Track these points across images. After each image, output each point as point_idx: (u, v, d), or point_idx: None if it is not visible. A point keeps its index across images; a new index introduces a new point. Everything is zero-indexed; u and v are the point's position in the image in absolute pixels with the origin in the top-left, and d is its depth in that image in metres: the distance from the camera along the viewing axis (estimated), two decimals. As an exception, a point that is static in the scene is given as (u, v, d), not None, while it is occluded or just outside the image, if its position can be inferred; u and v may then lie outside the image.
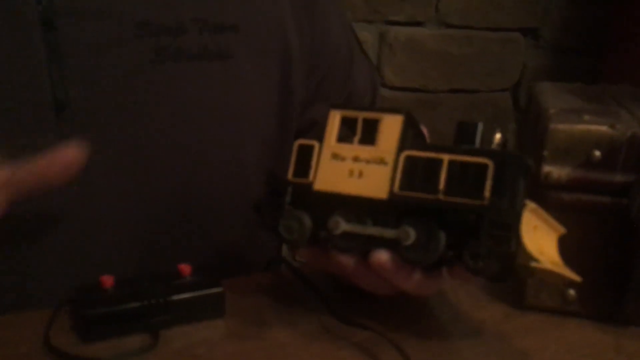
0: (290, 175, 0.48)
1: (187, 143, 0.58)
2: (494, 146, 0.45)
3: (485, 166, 0.42)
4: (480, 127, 0.44)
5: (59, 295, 0.50)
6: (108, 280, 0.49)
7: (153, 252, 0.59)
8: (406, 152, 0.45)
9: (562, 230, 0.45)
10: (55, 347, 0.45)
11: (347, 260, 0.46)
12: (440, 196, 0.43)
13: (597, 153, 0.49)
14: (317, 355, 0.46)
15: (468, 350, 0.48)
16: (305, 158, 0.48)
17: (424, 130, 0.50)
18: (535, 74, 1.51)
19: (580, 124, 0.50)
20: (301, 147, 0.48)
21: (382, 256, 0.45)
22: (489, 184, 0.42)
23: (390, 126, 0.45)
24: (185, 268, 0.51)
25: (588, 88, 0.64)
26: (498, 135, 0.45)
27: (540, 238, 0.43)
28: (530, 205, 0.42)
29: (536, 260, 0.41)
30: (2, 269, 0.54)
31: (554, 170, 0.50)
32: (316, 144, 0.48)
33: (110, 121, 0.55)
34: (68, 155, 0.45)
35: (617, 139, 0.48)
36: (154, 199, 0.58)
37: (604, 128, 0.49)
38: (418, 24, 1.45)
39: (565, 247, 0.50)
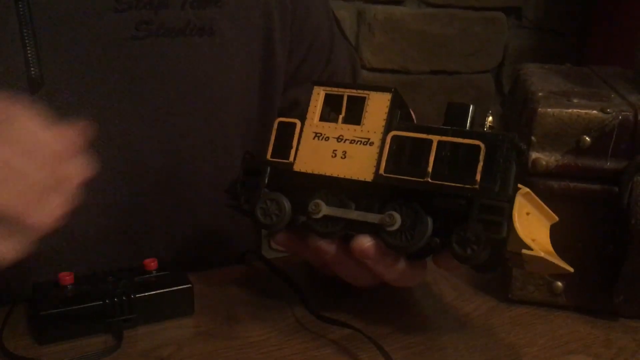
0: (268, 155, 0.45)
1: (169, 123, 0.56)
2: (485, 129, 0.43)
3: (476, 148, 0.40)
4: (471, 108, 0.42)
5: (16, 291, 0.47)
6: (67, 277, 0.45)
7: (130, 242, 0.56)
8: (393, 132, 0.42)
9: (555, 218, 0.43)
10: (9, 350, 0.42)
11: (327, 246, 0.44)
12: (429, 179, 0.40)
13: (587, 138, 0.46)
14: (292, 355, 0.43)
15: (452, 346, 0.45)
16: (285, 137, 0.45)
17: (411, 112, 0.47)
18: (518, 55, 1.49)
19: (569, 107, 0.47)
20: (281, 125, 0.45)
21: (364, 242, 0.42)
22: (480, 166, 0.39)
23: (377, 104, 0.43)
24: (151, 263, 0.48)
25: (576, 69, 0.62)
26: (490, 118, 0.43)
27: (532, 225, 0.41)
28: (523, 189, 0.40)
29: (528, 247, 0.39)
30: None
31: (542, 157, 0.47)
32: (298, 122, 0.45)
33: (88, 100, 0.52)
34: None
35: (608, 123, 0.46)
36: (133, 182, 0.55)
37: (594, 112, 0.46)
38: (398, 2, 1.42)
39: (553, 236, 0.48)
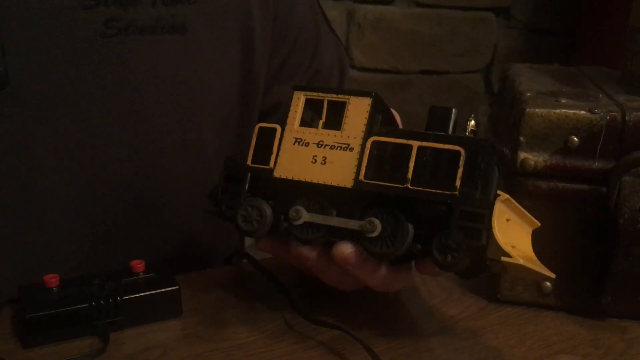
0: (249, 160, 0.45)
1: (141, 123, 0.55)
2: (467, 133, 0.43)
3: (456, 153, 0.39)
4: (453, 112, 0.42)
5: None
6: (52, 280, 0.45)
7: (105, 243, 0.56)
8: (373, 138, 0.42)
9: (536, 224, 0.43)
10: (-6, 354, 0.41)
11: (308, 253, 0.43)
12: (408, 185, 0.40)
13: (575, 139, 0.46)
14: (280, 357, 0.43)
15: (440, 347, 0.45)
16: (265, 143, 0.44)
17: (396, 115, 0.47)
18: (507, 54, 1.50)
19: (557, 108, 0.47)
20: (262, 130, 0.45)
21: (345, 249, 0.42)
22: (460, 172, 0.39)
23: (357, 109, 0.42)
24: (138, 264, 0.47)
25: (564, 70, 0.62)
26: (472, 122, 0.42)
27: (512, 231, 0.41)
28: (503, 196, 0.40)
29: (508, 255, 0.39)
30: None
31: (531, 157, 0.47)
32: (278, 127, 0.44)
33: (56, 99, 0.51)
34: None
35: (596, 123, 0.46)
36: (105, 184, 0.54)
37: (582, 112, 0.46)
38: (387, 2, 1.42)
39: (541, 237, 0.48)
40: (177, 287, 0.46)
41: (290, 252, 0.44)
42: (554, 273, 0.46)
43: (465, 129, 0.43)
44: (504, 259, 0.39)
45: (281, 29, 0.63)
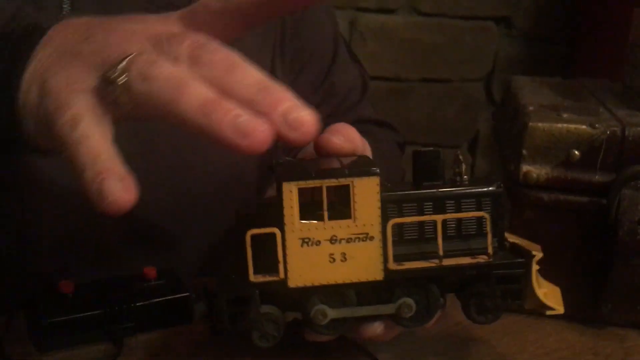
0: (250, 275, 0.38)
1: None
2: (463, 174, 0.41)
3: (482, 219, 0.40)
4: (441, 156, 0.41)
5: (16, 297, 0.48)
6: (67, 285, 0.46)
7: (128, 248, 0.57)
8: (393, 221, 0.39)
9: (540, 254, 0.43)
10: (12, 357, 0.42)
11: (329, 338, 0.42)
12: (443, 262, 0.39)
13: (576, 152, 0.48)
14: (285, 359, 0.44)
15: (444, 354, 0.47)
16: (266, 250, 0.38)
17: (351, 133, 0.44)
18: (508, 63, 1.51)
19: (559, 122, 0.48)
20: (256, 238, 0.37)
21: (377, 329, 0.41)
22: (489, 238, 0.39)
23: (366, 192, 0.38)
24: (150, 271, 0.48)
25: (566, 83, 0.63)
26: (464, 167, 0.41)
27: (540, 278, 0.43)
28: (537, 255, 0.41)
29: (551, 308, 0.41)
30: None
31: (533, 170, 0.49)
32: (276, 231, 0.37)
33: None
34: None
35: (597, 138, 0.47)
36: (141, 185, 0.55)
37: (583, 127, 0.48)
38: (389, 11, 1.43)
39: (543, 247, 0.49)
40: (187, 293, 0.48)
41: (305, 337, 0.42)
42: (555, 282, 0.48)
43: (459, 171, 0.41)
44: (549, 312, 0.41)
45: (293, 44, 0.65)
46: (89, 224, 0.55)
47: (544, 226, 0.49)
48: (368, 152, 0.45)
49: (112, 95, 0.33)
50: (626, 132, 0.47)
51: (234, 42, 0.55)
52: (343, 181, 0.38)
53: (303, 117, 0.32)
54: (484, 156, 1.53)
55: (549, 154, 0.49)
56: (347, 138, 0.41)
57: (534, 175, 0.49)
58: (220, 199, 0.58)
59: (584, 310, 0.50)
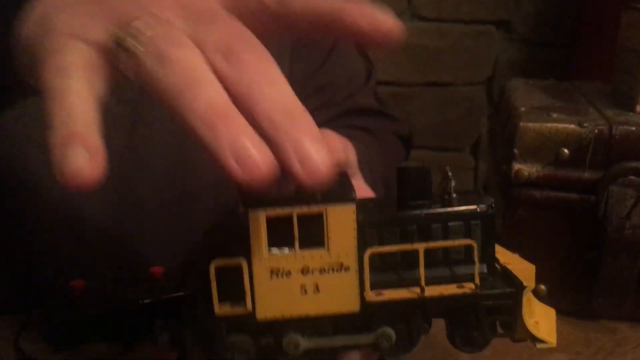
0: (216, 307, 0.35)
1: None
2: (451, 192, 0.38)
3: (469, 248, 0.36)
4: (429, 174, 0.37)
5: (29, 297, 0.50)
6: (78, 285, 0.48)
7: (129, 245, 0.59)
8: (370, 250, 0.35)
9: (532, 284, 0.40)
10: (28, 355, 0.44)
11: None
12: (425, 292, 0.36)
13: (566, 151, 0.50)
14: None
15: (437, 345, 0.48)
16: (231, 283, 0.35)
17: (345, 149, 0.42)
18: (508, 67, 1.52)
19: (549, 122, 0.50)
20: (220, 270, 0.34)
21: (354, 358, 0.38)
22: (476, 268, 0.36)
23: (340, 221, 0.34)
24: (158, 271, 0.50)
25: (559, 85, 0.65)
26: (453, 183, 0.37)
27: (529, 304, 0.40)
28: (529, 286, 0.38)
29: (542, 341, 0.39)
30: None
31: (524, 168, 0.51)
32: (242, 262, 0.34)
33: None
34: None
35: (585, 136, 0.49)
36: (145, 182, 0.57)
37: (572, 126, 0.50)
38: (391, 17, 1.45)
39: (535, 243, 0.51)
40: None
41: None
42: (548, 277, 0.49)
43: (446, 189, 0.38)
44: (539, 346, 0.38)
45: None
46: (97, 225, 0.57)
47: (536, 223, 0.51)
48: (352, 154, 0.44)
49: (116, 59, 0.29)
50: (613, 131, 0.49)
51: None
52: (315, 209, 0.34)
53: (319, 167, 0.28)
54: (486, 160, 1.54)
55: (540, 152, 0.50)
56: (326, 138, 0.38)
57: (526, 173, 0.50)
58: (221, 196, 0.59)
59: (576, 304, 0.52)
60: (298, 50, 0.66)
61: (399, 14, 1.44)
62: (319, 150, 0.28)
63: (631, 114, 0.52)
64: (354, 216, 0.34)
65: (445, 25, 1.48)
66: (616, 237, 0.48)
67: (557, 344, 0.48)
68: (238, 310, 0.35)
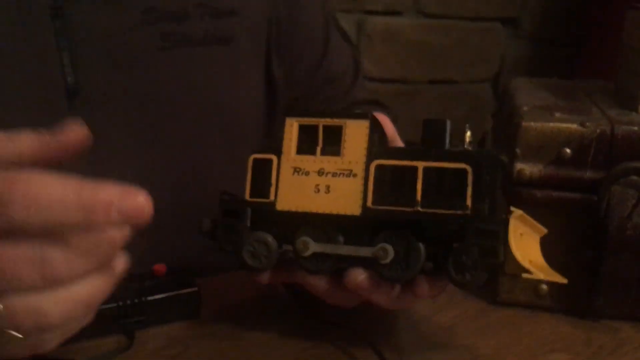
0: (247, 194, 0.43)
1: (192, 127, 0.60)
2: (466, 145, 0.42)
3: (463, 171, 0.39)
4: (448, 124, 0.41)
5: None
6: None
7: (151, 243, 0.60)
8: (377, 162, 0.41)
9: (543, 230, 0.44)
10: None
11: (317, 282, 0.44)
12: (419, 208, 0.40)
13: (568, 151, 0.50)
14: (293, 354, 0.46)
15: (442, 346, 0.48)
16: (262, 174, 0.43)
17: (385, 121, 0.47)
18: (514, 64, 1.52)
19: (551, 121, 0.50)
20: (256, 161, 0.43)
21: (358, 275, 0.42)
22: (469, 190, 0.39)
23: (356, 133, 0.41)
24: (160, 268, 0.51)
25: (562, 83, 0.65)
26: (468, 133, 0.42)
27: (526, 244, 0.41)
28: (517, 212, 0.41)
29: (528, 271, 0.39)
30: None
31: (526, 168, 0.51)
32: (274, 157, 0.43)
33: (120, 106, 0.56)
34: (76, 134, 0.38)
35: (587, 136, 0.49)
36: (157, 185, 0.58)
37: (574, 126, 0.50)
38: (396, 13, 1.45)
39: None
40: (196, 288, 0.50)
41: (296, 279, 0.45)
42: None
43: (462, 140, 0.42)
44: (525, 275, 0.39)
45: (288, 32, 0.67)
46: None
47: (538, 222, 0.51)
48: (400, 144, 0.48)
49: None
50: (615, 131, 0.49)
51: (229, 42, 0.59)
52: (337, 121, 0.42)
53: (142, 206, 0.32)
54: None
55: (542, 152, 0.50)
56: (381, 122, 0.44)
57: (527, 173, 0.50)
58: None
59: (577, 304, 0.52)
60: (298, 51, 0.68)
61: (405, 11, 1.44)
62: (134, 196, 0.32)
63: (634, 113, 0.52)
64: (367, 131, 0.41)
65: (451, 22, 1.48)
66: (618, 236, 0.48)
67: (557, 344, 0.49)
68: (263, 199, 0.42)
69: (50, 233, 0.32)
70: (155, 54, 0.56)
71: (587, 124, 0.49)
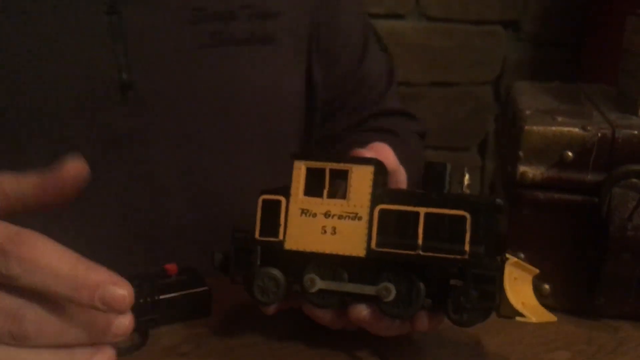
0: (257, 233, 0.45)
1: (233, 125, 0.62)
2: (464, 188, 0.45)
3: (462, 218, 0.41)
4: (448, 168, 0.44)
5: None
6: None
7: (148, 244, 0.61)
8: (381, 206, 0.43)
9: (535, 271, 0.45)
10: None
11: (323, 315, 0.46)
12: (420, 252, 0.42)
13: (570, 154, 0.51)
14: (301, 352, 0.47)
15: (444, 345, 0.49)
16: (272, 214, 0.45)
17: (388, 153, 0.49)
18: (516, 66, 1.53)
19: (553, 125, 0.51)
20: (266, 202, 0.45)
21: (361, 311, 0.44)
22: (467, 237, 0.41)
23: (361, 178, 0.43)
24: (172, 268, 0.52)
25: (564, 87, 0.66)
26: (467, 176, 0.45)
27: (520, 287, 0.43)
28: (511, 259, 0.43)
29: (521, 314, 0.41)
30: None
31: (529, 170, 0.52)
32: (282, 199, 0.45)
33: (168, 102, 0.59)
34: (73, 171, 0.40)
35: (589, 140, 0.50)
36: (199, 179, 0.62)
37: (576, 130, 0.51)
38: (399, 16, 1.46)
39: (539, 243, 0.52)
40: (207, 288, 0.51)
41: (303, 310, 0.47)
42: (551, 276, 0.51)
43: (461, 182, 0.44)
44: (519, 319, 0.41)
45: (327, 36, 0.69)
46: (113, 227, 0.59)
47: (540, 223, 0.52)
48: (402, 176, 0.50)
49: None
50: (616, 134, 0.50)
51: (271, 42, 0.62)
52: (343, 166, 0.44)
53: (123, 299, 0.36)
54: (493, 159, 1.55)
55: (544, 155, 0.51)
56: (381, 155, 0.46)
57: (530, 175, 0.52)
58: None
59: (579, 303, 0.53)
60: (335, 54, 0.69)
61: (407, 14, 1.45)
62: (114, 285, 0.35)
63: (634, 117, 0.53)
64: (372, 176, 0.43)
65: (453, 25, 1.49)
66: (618, 237, 0.49)
67: (559, 343, 0.50)
68: (272, 239, 0.44)
69: (35, 295, 0.34)
70: (202, 52, 0.59)
71: (589, 127, 0.50)
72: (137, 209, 0.60)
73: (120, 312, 0.35)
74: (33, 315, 0.35)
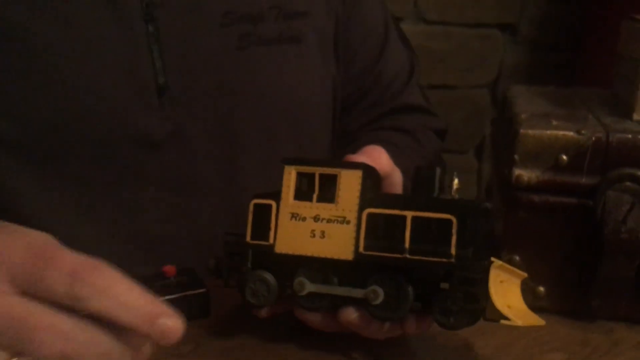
0: (248, 237, 0.46)
1: (263, 125, 0.63)
2: (453, 192, 0.45)
3: (449, 221, 0.41)
4: (437, 172, 0.44)
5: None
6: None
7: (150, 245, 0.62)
8: (368, 210, 0.43)
9: (523, 275, 0.46)
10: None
11: (313, 318, 0.46)
12: (407, 255, 0.42)
13: (565, 157, 0.51)
14: (298, 353, 0.48)
15: (440, 346, 0.50)
16: (262, 218, 0.46)
17: (382, 156, 0.49)
18: (513, 70, 1.54)
19: (548, 129, 0.52)
20: (257, 206, 0.46)
21: (350, 314, 0.44)
22: (454, 240, 0.41)
23: (349, 182, 0.44)
24: (170, 269, 0.52)
25: (559, 91, 0.67)
26: (456, 181, 0.45)
27: (506, 290, 0.44)
28: (497, 262, 0.43)
29: (506, 317, 0.42)
30: None
31: (524, 173, 0.52)
32: (273, 203, 0.45)
33: (200, 103, 0.60)
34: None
35: (583, 143, 0.51)
36: (228, 178, 0.63)
37: (570, 133, 0.51)
38: (396, 19, 1.47)
39: (535, 246, 0.53)
40: (205, 289, 0.52)
41: (294, 313, 0.47)
42: (547, 278, 0.52)
43: (450, 186, 0.45)
44: (503, 321, 0.42)
45: (346, 30, 0.69)
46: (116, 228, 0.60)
47: (535, 226, 0.53)
48: (397, 179, 0.50)
49: None
50: (610, 138, 0.50)
51: (299, 42, 0.62)
52: (332, 170, 0.44)
53: (176, 330, 0.37)
54: (490, 162, 1.56)
55: (539, 158, 0.52)
56: (373, 159, 0.47)
57: (525, 178, 0.52)
58: None
59: (573, 305, 0.54)
60: (354, 49, 0.70)
61: (405, 17, 1.46)
62: (170, 317, 0.37)
63: (628, 121, 0.54)
64: (360, 181, 0.44)
65: (451, 28, 1.50)
66: (613, 240, 0.50)
67: (554, 344, 0.50)
68: (263, 242, 0.45)
69: (95, 319, 0.36)
70: (233, 54, 0.60)
71: (583, 131, 0.51)
72: (175, 211, 0.61)
73: (171, 341, 0.37)
74: (83, 337, 0.36)
